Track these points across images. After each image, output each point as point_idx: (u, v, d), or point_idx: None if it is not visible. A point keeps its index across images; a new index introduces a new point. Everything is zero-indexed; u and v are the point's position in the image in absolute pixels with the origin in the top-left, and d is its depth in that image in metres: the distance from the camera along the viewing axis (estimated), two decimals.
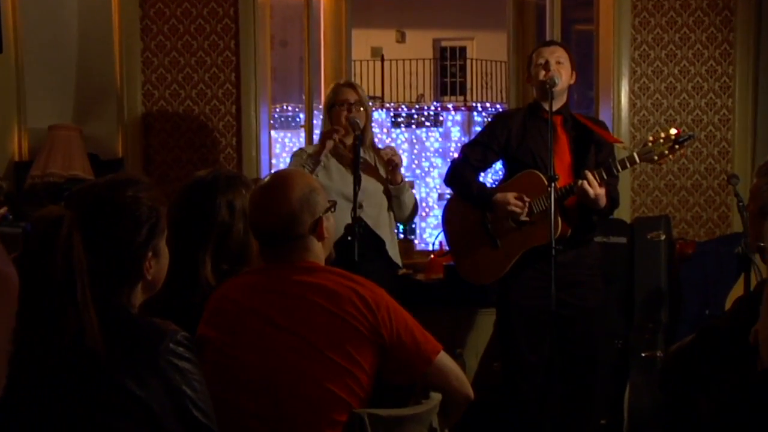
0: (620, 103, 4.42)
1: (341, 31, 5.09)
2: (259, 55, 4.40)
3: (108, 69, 4.31)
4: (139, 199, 1.61)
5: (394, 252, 3.52)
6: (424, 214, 13.84)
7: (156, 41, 4.39)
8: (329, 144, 3.41)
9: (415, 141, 14.05)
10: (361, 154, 3.44)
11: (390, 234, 3.52)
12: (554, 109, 3.21)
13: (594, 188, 3.10)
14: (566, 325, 3.23)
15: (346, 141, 3.50)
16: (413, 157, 13.98)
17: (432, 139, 14.04)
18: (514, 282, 3.31)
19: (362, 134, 3.41)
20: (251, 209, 2.04)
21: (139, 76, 4.38)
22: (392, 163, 3.42)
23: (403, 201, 3.50)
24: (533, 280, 3.26)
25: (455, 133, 13.90)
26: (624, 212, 4.36)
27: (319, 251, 2.05)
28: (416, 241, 13.53)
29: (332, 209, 2.07)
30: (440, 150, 13.73)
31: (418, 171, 14.00)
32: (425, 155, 14.04)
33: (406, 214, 3.52)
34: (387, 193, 3.52)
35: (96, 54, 4.31)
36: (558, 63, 3.30)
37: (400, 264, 3.57)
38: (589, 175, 3.11)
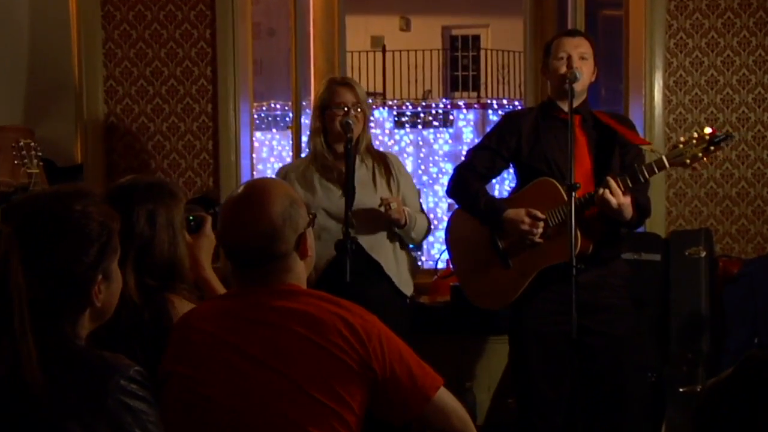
0: (653, 99, 4.41)
1: (333, 17, 5.09)
2: (239, 46, 4.40)
3: (64, 62, 4.31)
4: (88, 214, 1.60)
5: (399, 279, 3.48)
6: (431, 226, 13.85)
7: (120, 30, 4.40)
8: None
9: (421, 143, 14.07)
10: (359, 159, 3.44)
11: (393, 257, 3.49)
12: (573, 106, 3.20)
13: (617, 197, 3.09)
14: (590, 355, 3.21)
15: (336, 148, 3.48)
16: (419, 162, 13.99)
17: (441, 141, 14.05)
18: (529, 306, 3.30)
19: (356, 138, 3.39)
20: (223, 225, 2.02)
21: (101, 70, 4.38)
22: (387, 214, 3.37)
23: (412, 237, 3.50)
24: (551, 304, 3.25)
25: (467, 134, 13.92)
26: (658, 225, 4.35)
27: (302, 271, 2.04)
28: (423, 258, 13.61)
29: (312, 224, 2.06)
30: (450, 153, 13.74)
31: (425, 178, 14.01)
32: (433, 159, 14.05)
33: (419, 241, 3.54)
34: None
35: (50, 44, 4.31)
36: (582, 59, 3.30)
37: (407, 293, 3.53)
38: (612, 183, 3.11)
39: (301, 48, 4.89)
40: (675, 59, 4.45)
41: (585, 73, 3.29)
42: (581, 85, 3.28)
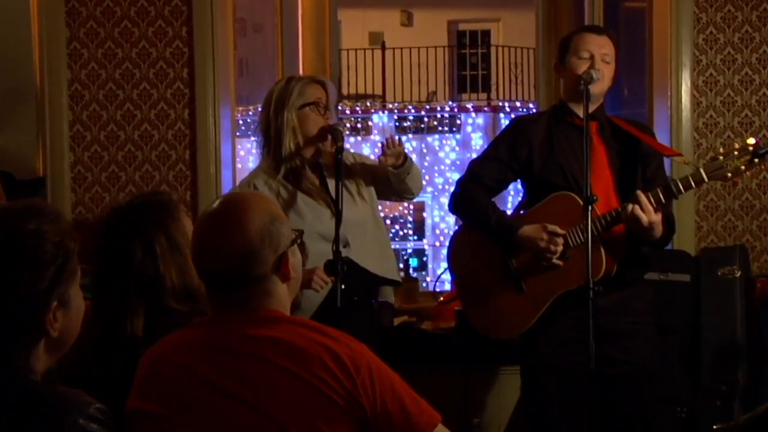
0: (680, 101, 4.42)
1: (325, 11, 5.13)
2: (219, 45, 4.42)
3: (24, 63, 4.33)
4: (42, 234, 1.60)
5: (386, 268, 3.48)
6: (437, 243, 13.83)
7: (86, 28, 4.41)
8: None
9: (425, 151, 14.09)
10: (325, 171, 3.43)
11: (381, 258, 3.49)
12: (588, 111, 3.21)
13: (648, 214, 3.09)
14: (611, 387, 3.20)
15: (305, 153, 3.46)
16: (424, 171, 14.00)
17: (447, 149, 14.08)
18: (543, 333, 3.29)
19: (343, 146, 3.39)
20: (195, 244, 2.02)
21: (65, 72, 4.39)
22: (386, 150, 3.35)
23: (406, 184, 3.47)
24: (567, 331, 3.24)
25: (476, 140, 13.94)
26: (687, 242, 4.35)
27: (283, 296, 2.03)
28: (428, 278, 13.58)
29: (298, 241, 2.05)
30: (458, 162, 13.75)
31: (429, 189, 14.02)
32: (438, 169, 14.07)
33: (414, 189, 3.51)
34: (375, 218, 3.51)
35: (8, 43, 4.32)
36: (604, 62, 3.30)
37: (396, 278, 3.57)
38: (643, 198, 3.10)
39: (289, 46, 4.91)
40: (704, 56, 4.46)
41: (606, 77, 3.30)
42: (599, 89, 3.28)
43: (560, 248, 3.24)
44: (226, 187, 4.48)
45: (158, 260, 2.15)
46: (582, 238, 3.20)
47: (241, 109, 12.60)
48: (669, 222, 3.25)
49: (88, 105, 4.42)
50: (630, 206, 3.10)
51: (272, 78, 5.19)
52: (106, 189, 4.42)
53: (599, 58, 3.29)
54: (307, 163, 3.45)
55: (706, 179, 3.12)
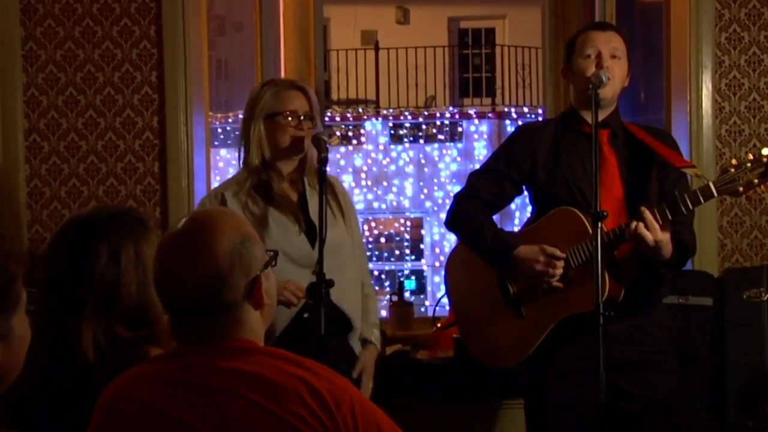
0: (701, 107, 4.43)
1: (309, 7, 5.12)
2: (191, 45, 4.42)
3: None
4: None
5: (361, 315, 3.52)
6: (437, 263, 13.82)
7: (43, 27, 4.41)
8: None
9: (423, 161, 14.10)
10: (308, 185, 3.44)
11: (356, 300, 3.50)
12: (600, 118, 3.21)
13: (654, 232, 3.08)
14: (625, 424, 3.20)
15: (281, 167, 3.46)
16: (421, 184, 14.02)
17: (448, 159, 14.09)
18: (548, 363, 3.29)
19: (319, 159, 3.38)
20: (158, 268, 2.02)
21: (20, 76, 4.39)
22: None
23: None
24: (575, 361, 3.24)
25: (480, 149, 13.96)
26: (709, 261, 4.35)
27: (257, 324, 2.03)
28: (427, 302, 13.57)
29: (273, 263, 2.05)
30: (459, 174, 13.77)
31: (428, 204, 14.03)
32: (438, 182, 14.08)
33: None
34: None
35: None
36: (613, 57, 3.30)
37: (373, 341, 3.57)
38: (647, 214, 3.09)
39: (269, 46, 4.91)
40: (727, 57, 4.47)
41: (617, 75, 3.29)
42: (611, 91, 3.27)
43: (559, 271, 3.24)
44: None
45: (121, 270, 2.16)
46: (585, 257, 3.21)
47: (218, 115, 12.60)
48: (681, 241, 3.23)
49: (45, 112, 4.42)
50: (634, 224, 3.10)
51: (253, 81, 5.20)
52: (66, 205, 4.41)
53: (607, 54, 3.28)
54: (286, 176, 3.45)
55: (715, 194, 3.11)
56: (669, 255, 3.16)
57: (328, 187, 3.33)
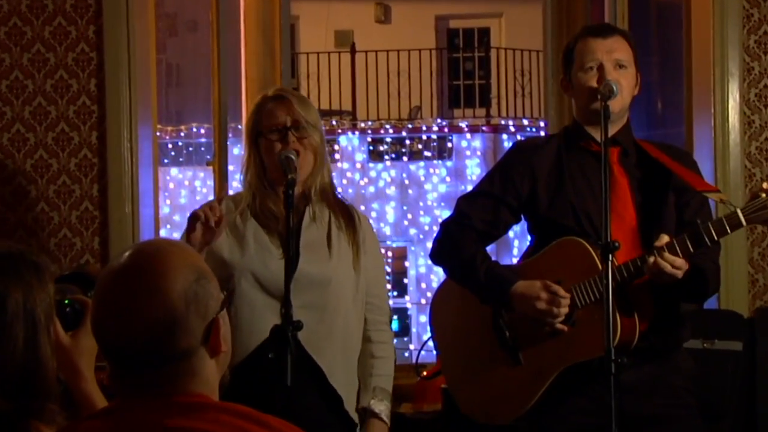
0: (727, 120, 4.45)
1: (275, 4, 5.14)
2: (137, 48, 4.44)
3: None
4: None
5: (349, 396, 3.45)
6: (423, 301, 13.80)
7: None
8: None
9: (407, 182, 14.11)
10: (309, 214, 3.43)
11: (342, 361, 3.45)
12: (608, 134, 3.22)
13: (675, 264, 3.10)
14: None
15: (279, 190, 3.48)
16: (404, 208, 14.02)
17: (435, 179, 14.10)
18: (550, 419, 3.29)
19: (307, 179, 3.38)
20: (97, 312, 2.01)
21: None
22: None
23: None
24: (582, 416, 3.25)
25: (472, 168, 13.98)
26: (737, 299, 4.36)
27: (212, 375, 2.03)
28: (411, 346, 13.52)
29: (228, 303, 2.05)
30: (449, 196, 13.78)
31: (412, 231, 14.03)
32: (424, 205, 14.08)
33: None
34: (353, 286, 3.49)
35: None
36: (618, 67, 3.32)
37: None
38: (666, 242, 3.11)
39: (228, 49, 4.91)
40: (757, 63, 4.50)
41: (623, 87, 3.30)
42: (618, 104, 3.28)
43: (564, 311, 3.24)
44: (146, 231, 4.47)
45: (4, 322, 2.10)
46: (592, 295, 3.22)
47: (168, 129, 12.56)
48: (703, 271, 3.23)
49: None
50: (651, 258, 3.11)
51: (209, 88, 5.19)
52: None
53: (610, 66, 3.30)
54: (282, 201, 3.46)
55: (744, 222, 3.12)
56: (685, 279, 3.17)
57: (346, 217, 3.41)
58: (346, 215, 3.51)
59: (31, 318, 2.12)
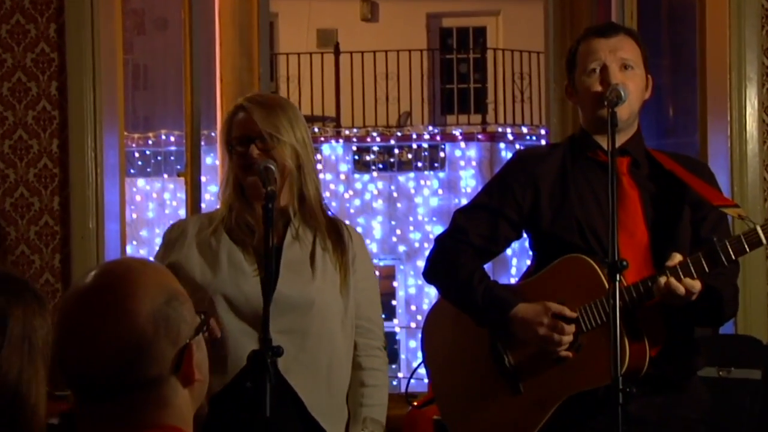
0: (744, 128, 4.46)
1: (252, 2, 5.15)
2: (102, 48, 4.44)
3: None
4: None
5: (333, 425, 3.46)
6: (413, 324, 13.81)
7: None
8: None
9: (396, 195, 14.12)
10: (291, 232, 3.44)
11: (325, 387, 3.46)
12: (617, 143, 3.23)
13: (688, 285, 3.11)
14: None
15: (257, 206, 3.48)
16: (393, 223, 14.02)
17: (426, 192, 14.11)
18: None
19: (276, 190, 3.38)
20: (59, 335, 2.01)
21: None
22: None
23: None
24: None
25: (467, 180, 14.00)
26: (756, 324, 4.38)
27: (185, 406, 2.03)
28: (400, 374, 13.49)
29: (205, 329, 2.05)
30: (441, 210, 13.80)
31: (402, 248, 14.02)
32: (414, 220, 14.08)
33: None
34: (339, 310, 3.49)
35: None
36: (624, 68, 3.33)
37: None
38: (678, 261, 3.12)
39: (201, 49, 4.92)
40: None
41: (632, 90, 3.31)
42: (626, 111, 3.29)
43: (568, 337, 3.25)
44: (112, 249, 4.47)
45: (2, 342, 2.10)
46: (599, 318, 3.22)
47: (136, 136, 12.56)
48: (716, 290, 3.23)
49: None
50: (662, 279, 3.12)
51: (180, 92, 5.20)
52: None
53: (615, 67, 3.31)
54: (256, 215, 3.44)
55: (764, 240, 3.13)
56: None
57: (334, 233, 3.43)
58: (335, 233, 3.51)
59: (29, 344, 2.12)
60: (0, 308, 2.12)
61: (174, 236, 3.52)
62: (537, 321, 3.27)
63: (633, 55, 3.36)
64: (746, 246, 3.14)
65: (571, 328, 3.26)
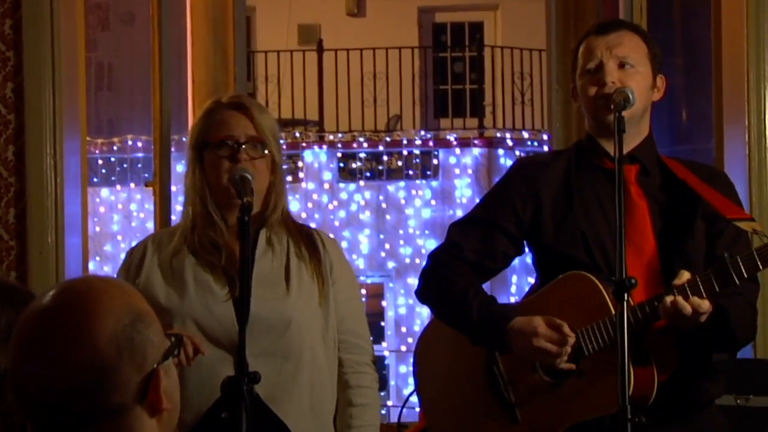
0: (763, 134, 4.47)
1: None
2: (62, 46, 4.44)
3: None
4: None
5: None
6: (403, 348, 13.80)
7: None
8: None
9: (384, 206, 14.11)
10: (263, 238, 3.45)
11: (308, 411, 3.47)
12: (625, 150, 3.24)
13: (695, 305, 3.11)
14: None
15: (226, 215, 3.49)
16: (381, 237, 14.01)
17: (418, 203, 14.11)
18: None
19: (264, 204, 3.39)
20: (13, 358, 2.01)
21: None
22: None
23: None
24: None
25: (462, 189, 14.00)
26: None
27: None
28: (389, 402, 13.47)
29: (175, 352, 2.05)
30: (434, 222, 13.80)
31: (391, 265, 14.01)
32: (405, 233, 14.08)
33: None
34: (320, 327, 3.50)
35: None
36: (624, 66, 3.34)
37: None
38: (686, 279, 3.13)
39: (171, 46, 4.92)
40: None
41: (636, 88, 3.31)
42: (634, 111, 3.30)
43: (567, 349, 3.24)
44: (72, 266, 4.47)
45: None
46: (602, 341, 3.23)
47: (99, 141, 12.56)
48: (726, 310, 3.23)
49: None
50: (669, 299, 3.12)
51: (148, 93, 5.20)
52: None
53: (612, 65, 3.32)
54: (232, 227, 3.46)
55: None
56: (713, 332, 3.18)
57: (308, 244, 3.44)
58: (308, 241, 3.53)
59: None
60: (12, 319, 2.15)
61: (134, 260, 3.52)
62: (534, 332, 3.27)
63: (633, 52, 3.37)
64: (759, 262, 3.14)
65: (570, 340, 3.25)
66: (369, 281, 14.36)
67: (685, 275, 3.15)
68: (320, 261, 3.52)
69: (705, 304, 3.12)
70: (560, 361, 3.26)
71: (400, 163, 14.24)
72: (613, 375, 3.03)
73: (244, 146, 3.43)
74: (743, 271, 3.14)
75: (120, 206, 13.08)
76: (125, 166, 13.06)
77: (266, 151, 3.46)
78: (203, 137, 3.48)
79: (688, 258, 3.30)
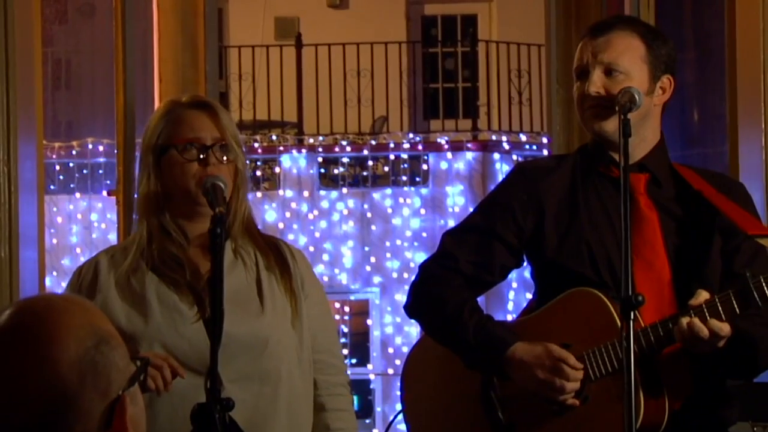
0: None
1: None
2: (16, 40, 4.45)
3: None
4: None
5: None
6: (390, 371, 13.79)
7: None
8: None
9: (370, 215, 14.12)
10: (230, 249, 3.45)
11: None
12: (632, 159, 3.25)
13: (714, 329, 3.12)
14: None
15: (185, 226, 3.49)
16: (366, 249, 14.01)
17: (406, 212, 14.12)
18: None
19: (232, 214, 3.41)
20: None
21: None
22: None
23: None
24: None
25: (455, 197, 14.02)
26: None
27: None
28: (375, 431, 13.41)
29: (141, 377, 2.06)
30: (423, 233, 13.81)
31: (377, 279, 14.01)
32: (392, 245, 14.08)
33: None
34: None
35: None
36: (610, 72, 3.35)
37: None
38: (703, 299, 3.14)
39: (136, 41, 4.92)
40: None
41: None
42: (615, 123, 3.29)
43: (573, 385, 3.26)
44: (29, 283, 4.48)
45: None
46: (609, 366, 3.24)
47: (56, 145, 12.54)
48: (750, 335, 3.24)
49: None
50: (685, 320, 3.13)
51: (111, 92, 5.20)
52: None
53: (599, 71, 3.34)
54: (194, 239, 3.47)
55: None
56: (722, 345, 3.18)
57: (275, 256, 3.44)
58: (275, 252, 3.53)
59: None
60: None
61: (86, 279, 3.50)
62: (537, 363, 3.29)
63: (623, 56, 3.37)
64: None
65: (577, 373, 3.27)
66: (353, 298, 14.35)
67: (703, 295, 3.16)
68: (291, 275, 3.52)
69: (726, 328, 3.13)
70: (565, 398, 3.28)
71: (386, 169, 14.27)
72: (620, 402, 3.04)
73: (211, 149, 3.45)
74: (766, 291, 3.14)
75: (80, 216, 13.05)
76: (85, 172, 13.03)
77: (225, 157, 3.45)
78: (164, 140, 3.47)
79: (702, 275, 3.32)
